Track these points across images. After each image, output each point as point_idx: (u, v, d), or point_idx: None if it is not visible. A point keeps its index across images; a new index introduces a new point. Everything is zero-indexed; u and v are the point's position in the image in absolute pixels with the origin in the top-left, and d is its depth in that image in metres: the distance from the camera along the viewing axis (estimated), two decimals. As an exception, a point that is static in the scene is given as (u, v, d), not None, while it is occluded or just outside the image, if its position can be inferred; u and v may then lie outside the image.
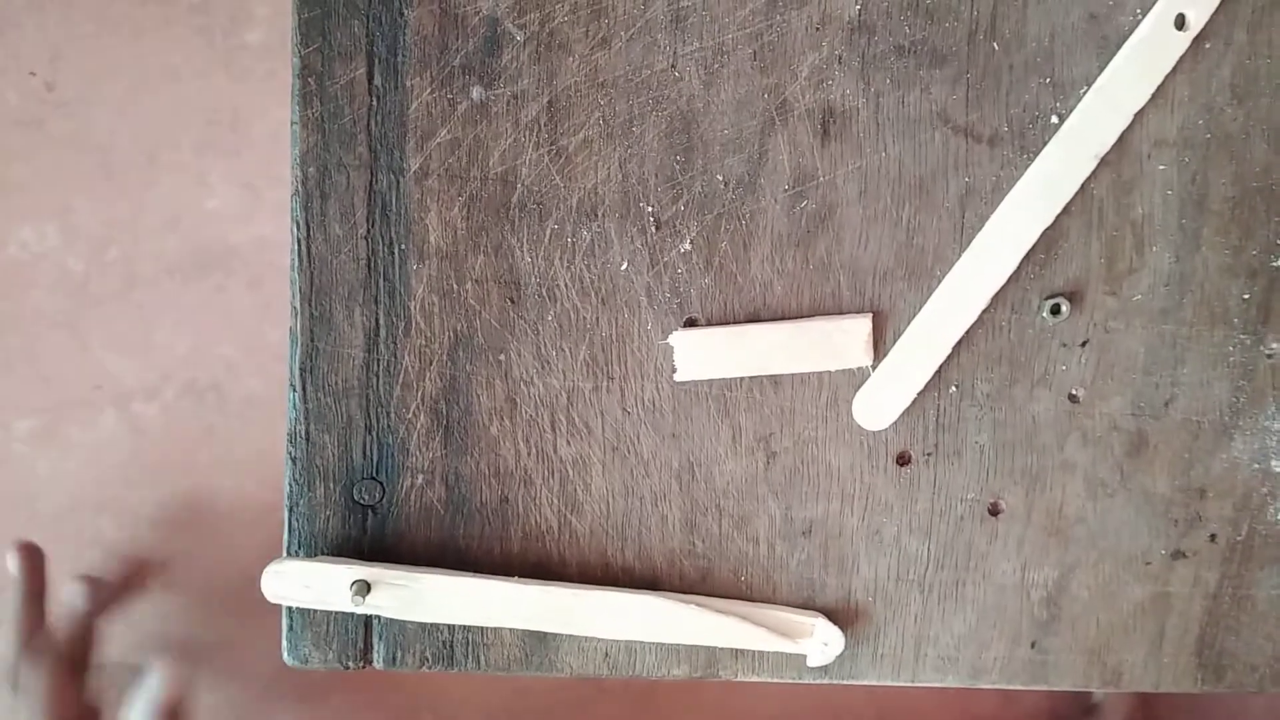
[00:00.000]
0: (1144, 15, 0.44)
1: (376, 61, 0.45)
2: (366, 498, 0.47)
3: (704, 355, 0.45)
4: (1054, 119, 0.44)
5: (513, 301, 0.46)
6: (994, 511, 0.47)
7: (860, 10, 0.44)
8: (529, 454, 0.47)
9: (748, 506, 0.47)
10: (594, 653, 0.47)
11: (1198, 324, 0.45)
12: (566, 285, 0.46)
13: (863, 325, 0.45)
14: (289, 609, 0.47)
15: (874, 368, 0.46)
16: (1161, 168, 0.45)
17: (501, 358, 0.46)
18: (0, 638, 0.80)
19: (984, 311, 0.45)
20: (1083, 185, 0.44)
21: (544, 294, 0.46)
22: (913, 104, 0.45)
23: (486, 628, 0.47)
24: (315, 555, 0.47)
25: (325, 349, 0.46)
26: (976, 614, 0.47)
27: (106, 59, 0.95)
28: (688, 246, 0.46)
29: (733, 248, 0.45)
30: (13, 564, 0.83)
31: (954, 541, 0.47)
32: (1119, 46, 0.44)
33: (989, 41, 0.44)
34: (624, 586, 0.47)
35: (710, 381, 0.46)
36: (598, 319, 0.46)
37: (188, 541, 0.98)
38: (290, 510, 0.47)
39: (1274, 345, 0.46)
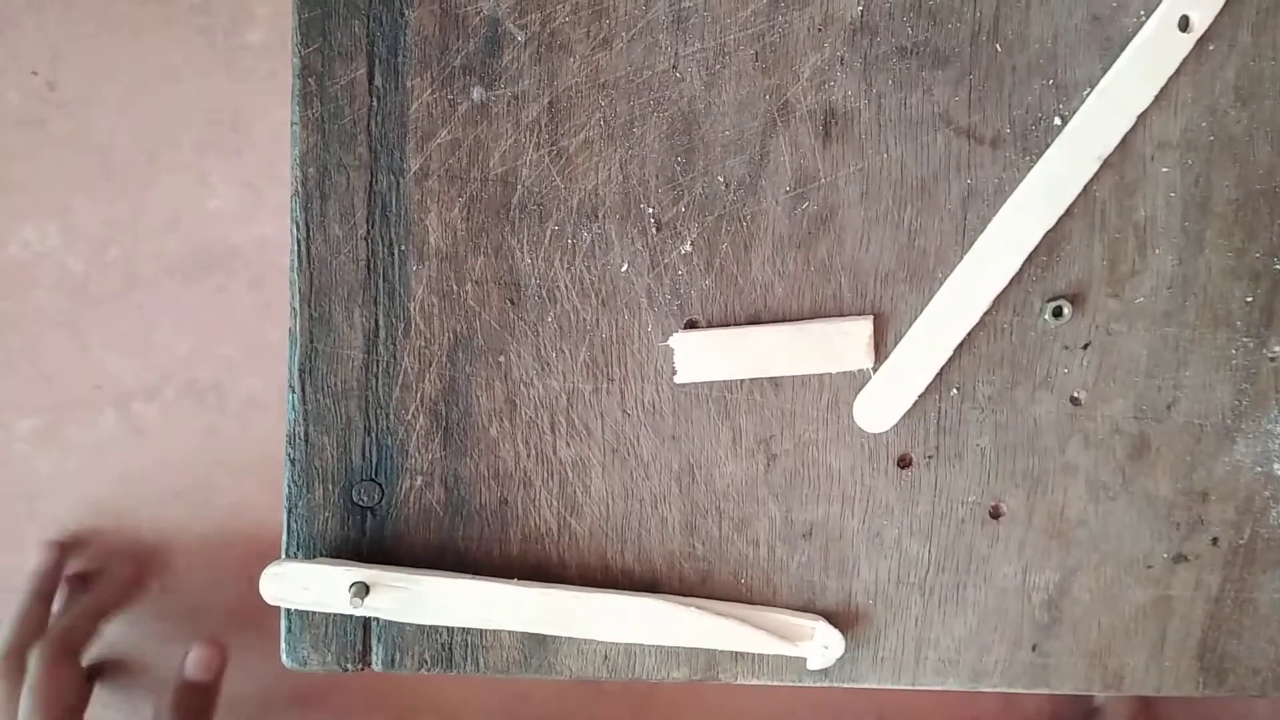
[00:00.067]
0: (1148, 17, 0.43)
1: (377, 62, 0.45)
2: (365, 499, 0.47)
3: (704, 357, 0.45)
4: (1057, 120, 0.44)
5: (513, 303, 0.46)
6: (995, 514, 0.46)
7: (863, 11, 0.44)
8: (528, 456, 0.46)
9: (748, 509, 0.47)
10: (593, 655, 0.47)
11: (1200, 327, 0.45)
12: (567, 286, 0.46)
13: (864, 327, 0.45)
14: (287, 611, 0.47)
15: (875, 370, 0.45)
16: (1164, 170, 0.45)
17: (501, 359, 0.46)
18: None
19: (986, 314, 0.45)
20: (1085, 187, 0.44)
21: (544, 295, 0.46)
22: (915, 105, 0.44)
23: (485, 630, 0.47)
24: (314, 557, 0.46)
25: (324, 350, 0.46)
26: (977, 617, 0.47)
27: (107, 59, 0.95)
28: (688, 248, 0.45)
29: (733, 249, 0.45)
30: (42, 559, 0.84)
31: (955, 544, 0.47)
32: (1122, 48, 0.44)
33: (992, 43, 0.44)
34: (624, 589, 0.47)
35: (711, 383, 0.46)
36: (598, 320, 0.46)
37: (187, 542, 0.98)
38: (289, 512, 0.47)
39: (1277, 348, 0.45)
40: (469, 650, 0.47)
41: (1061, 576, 0.47)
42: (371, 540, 0.47)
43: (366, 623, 0.47)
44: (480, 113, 0.45)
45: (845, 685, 0.47)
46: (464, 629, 0.47)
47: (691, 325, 0.46)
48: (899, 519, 0.46)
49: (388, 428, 0.46)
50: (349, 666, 0.47)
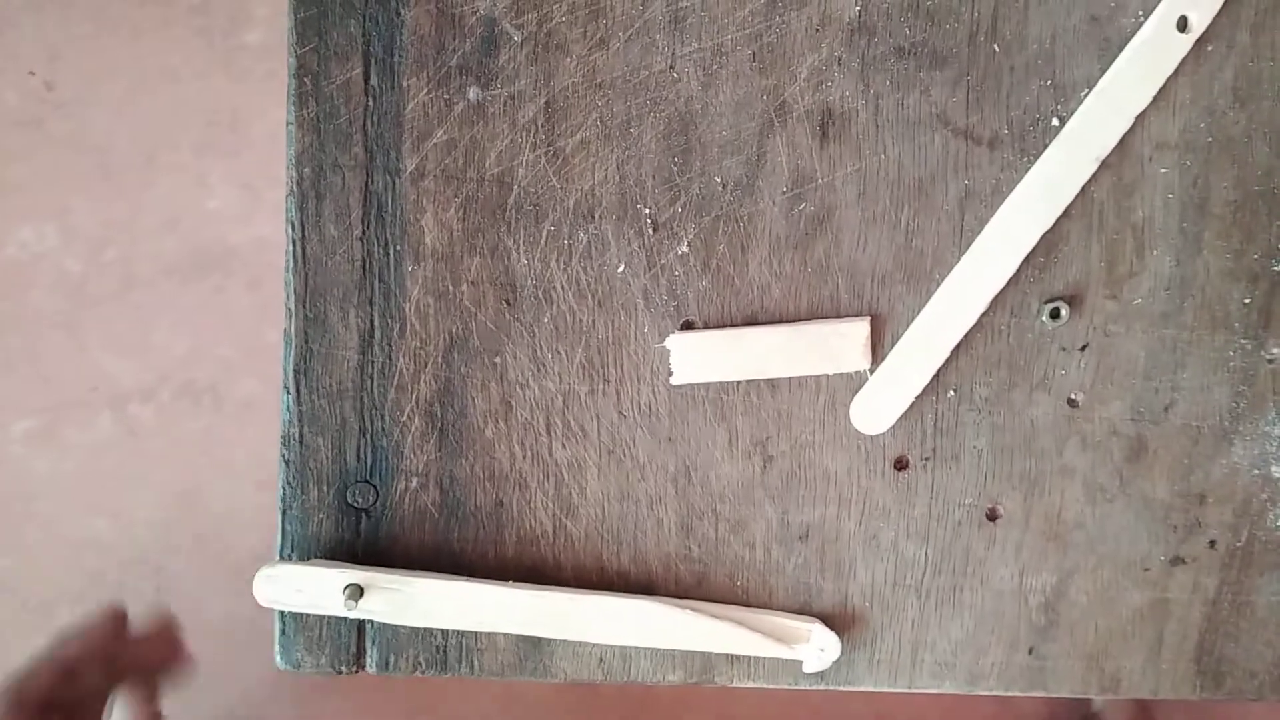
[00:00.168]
0: (1146, 17, 0.43)
1: (373, 61, 0.45)
2: (360, 501, 0.46)
3: (701, 358, 0.45)
4: (1054, 121, 0.44)
5: (508, 303, 0.46)
6: (992, 516, 0.46)
7: (860, 11, 0.44)
8: (524, 457, 0.46)
9: (744, 511, 0.46)
10: (589, 658, 0.47)
11: (1198, 328, 0.45)
12: (563, 287, 0.46)
13: (860, 328, 0.45)
14: (282, 613, 0.46)
15: (872, 371, 0.45)
16: (1163, 171, 0.44)
17: (497, 360, 0.46)
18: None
19: (983, 315, 0.45)
20: (1083, 188, 0.44)
21: (540, 296, 0.46)
22: (912, 106, 0.44)
23: (480, 632, 0.46)
24: (308, 559, 0.46)
25: (319, 351, 0.46)
26: (974, 619, 0.47)
27: (105, 59, 0.95)
28: (685, 249, 0.45)
29: (730, 250, 0.45)
30: (88, 622, 0.68)
31: (952, 546, 0.46)
32: (1120, 49, 0.44)
33: (989, 43, 0.44)
34: (619, 591, 0.46)
35: (707, 385, 0.46)
36: (594, 321, 0.46)
37: (183, 543, 0.98)
38: (283, 513, 0.46)
39: (1275, 350, 0.45)
40: (464, 652, 0.47)
41: (1058, 579, 0.47)
42: (366, 542, 0.47)
43: (361, 625, 0.47)
44: (476, 113, 0.45)
45: (841, 688, 0.47)
46: (458, 631, 0.47)
47: (688, 326, 0.46)
48: (895, 521, 0.46)
49: (383, 429, 0.46)
50: (343, 669, 0.47)
